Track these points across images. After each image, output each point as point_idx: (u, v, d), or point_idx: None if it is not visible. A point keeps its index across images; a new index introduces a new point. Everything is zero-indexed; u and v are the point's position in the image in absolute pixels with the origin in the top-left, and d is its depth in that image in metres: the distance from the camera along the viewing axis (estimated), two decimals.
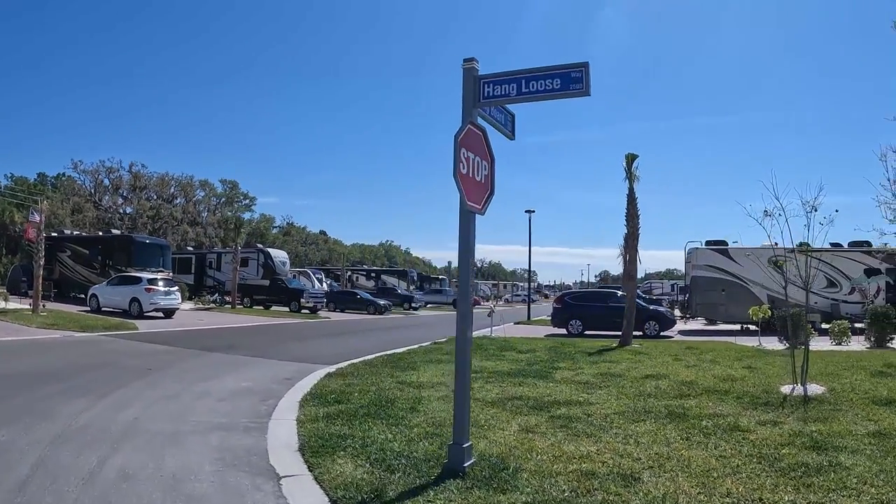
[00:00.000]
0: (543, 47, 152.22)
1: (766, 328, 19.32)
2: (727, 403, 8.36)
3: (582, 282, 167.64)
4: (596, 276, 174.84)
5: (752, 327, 25.41)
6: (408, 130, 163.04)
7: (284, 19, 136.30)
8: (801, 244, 23.70)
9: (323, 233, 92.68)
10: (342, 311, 37.47)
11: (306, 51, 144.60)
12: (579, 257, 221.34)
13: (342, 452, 5.62)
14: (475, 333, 21.86)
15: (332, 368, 11.39)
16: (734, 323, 24.74)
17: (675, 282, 68.23)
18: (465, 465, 5.03)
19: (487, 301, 79.20)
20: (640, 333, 21.51)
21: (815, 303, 23.74)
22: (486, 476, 4.99)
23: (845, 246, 24.67)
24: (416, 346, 16.34)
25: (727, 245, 24.80)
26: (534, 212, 33.26)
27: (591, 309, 22.22)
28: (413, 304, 46.73)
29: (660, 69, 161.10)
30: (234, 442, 6.14)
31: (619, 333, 21.17)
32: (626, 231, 18.22)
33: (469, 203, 5.09)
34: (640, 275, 65.95)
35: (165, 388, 9.10)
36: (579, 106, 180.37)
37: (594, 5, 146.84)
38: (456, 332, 5.47)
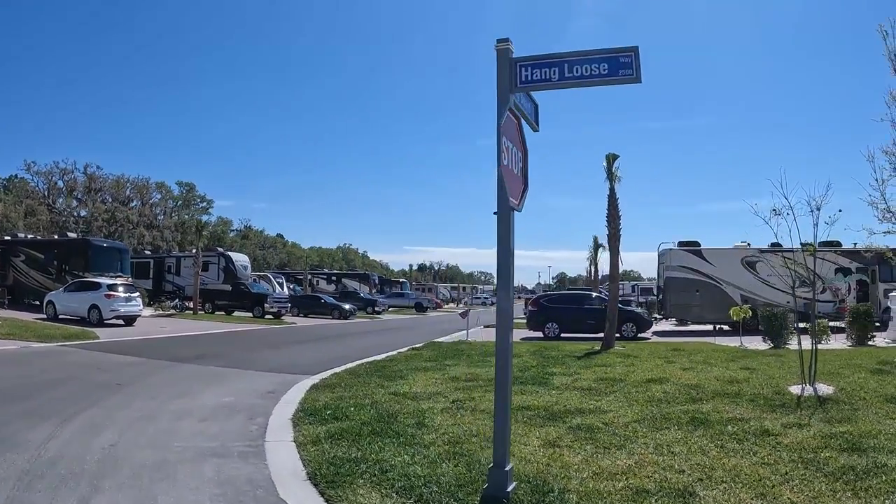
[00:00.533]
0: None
1: (740, 328, 19.31)
2: (742, 406, 8.07)
3: (539, 283, 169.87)
4: (553, 279, 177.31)
5: (725, 327, 25.63)
6: (363, 133, 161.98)
7: (239, 18, 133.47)
8: (772, 244, 23.80)
9: (280, 236, 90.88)
10: (305, 315, 36.44)
11: (261, 51, 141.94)
12: (537, 259, 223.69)
13: (361, 480, 4.99)
14: (448, 338, 21.73)
15: (316, 379, 10.71)
16: (707, 323, 24.81)
17: (634, 283, 68.99)
18: (509, 490, 4.47)
19: (450, 304, 79.57)
20: (618, 335, 21.30)
21: (788, 302, 24.00)
22: (533, 502, 4.46)
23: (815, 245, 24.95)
24: (394, 353, 15.72)
25: (700, 246, 24.86)
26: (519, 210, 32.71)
27: (567, 311, 21.92)
28: (376, 308, 45.90)
29: None
30: (231, 471, 5.43)
31: (596, 336, 21.04)
32: (607, 232, 17.96)
33: (510, 199, 4.55)
34: (597, 277, 66.32)
35: (140, 406, 8.27)
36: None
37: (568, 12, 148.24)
38: (496, 340, 4.88)
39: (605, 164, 17.88)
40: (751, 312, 24.29)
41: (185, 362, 13.06)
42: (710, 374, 11.25)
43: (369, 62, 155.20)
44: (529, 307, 22.38)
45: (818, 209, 9.28)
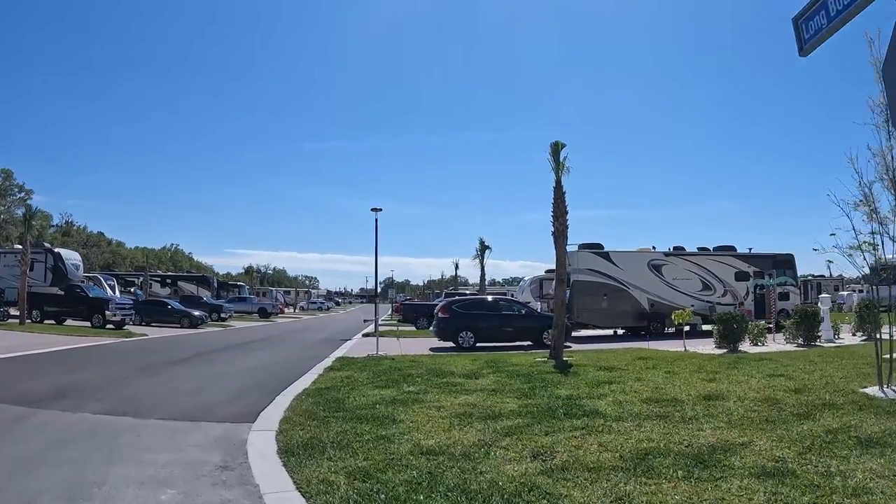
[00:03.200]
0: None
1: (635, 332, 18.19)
2: (854, 416, 7.12)
3: (362, 288, 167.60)
4: (381, 283, 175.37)
5: (620, 331, 24.76)
6: (179, 132, 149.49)
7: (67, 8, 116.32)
8: (675, 248, 23.12)
9: (101, 234, 79.13)
10: (149, 324, 30.50)
11: (87, 42, 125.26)
12: (358, 265, 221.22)
13: None
14: (344, 350, 18.22)
15: (270, 434, 6.96)
16: (611, 328, 23.70)
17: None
18: None
19: (288, 308, 73.78)
20: (530, 343, 19.24)
21: (692, 305, 23.55)
22: None
23: (711, 250, 24.88)
24: (312, 374, 12.37)
25: (603, 248, 23.65)
26: (381, 210, 29.41)
27: (483, 319, 19.38)
28: (222, 315, 40.30)
29: (479, 82, 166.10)
30: None
31: (514, 345, 18.86)
32: (553, 228, 15.68)
33: None
34: (483, 281, 65.52)
35: None
36: (371, 114, 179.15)
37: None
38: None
39: (549, 153, 15.64)
40: (691, 317, 23.77)
41: (43, 406, 8.44)
42: (752, 384, 9.72)
43: (196, 58, 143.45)
44: (438, 314, 19.51)
45: None
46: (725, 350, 16.22)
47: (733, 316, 16.53)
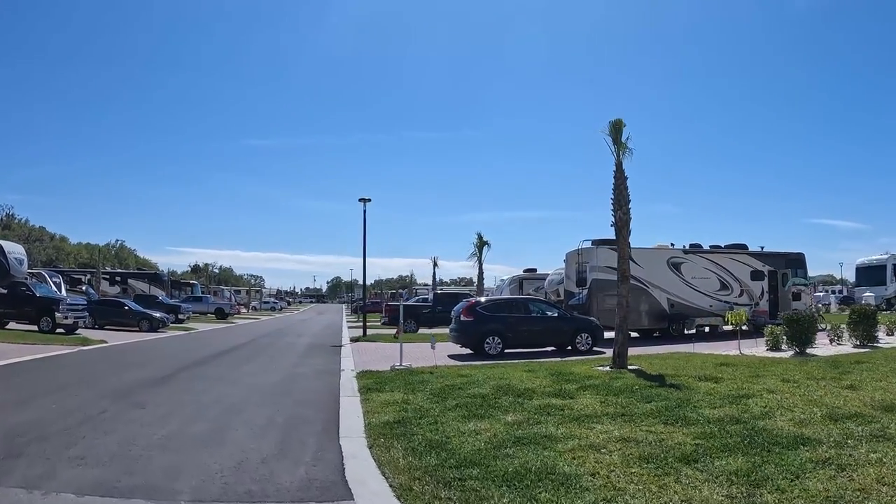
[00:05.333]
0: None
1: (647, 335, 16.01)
2: None
3: (307, 287, 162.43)
4: (328, 282, 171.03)
5: (635, 334, 22.38)
6: (123, 129, 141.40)
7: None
8: (691, 245, 20.86)
9: (44, 229, 72.08)
10: (102, 327, 26.34)
11: (25, 32, 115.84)
12: (302, 264, 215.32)
13: None
14: (370, 364, 14.86)
15: None
16: (631, 330, 21.23)
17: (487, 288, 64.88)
18: None
19: (246, 307, 69.16)
20: (570, 347, 16.64)
21: (711, 305, 21.41)
22: None
23: (723, 247, 22.88)
24: (354, 397, 9.29)
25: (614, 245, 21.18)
26: (370, 200, 26.35)
27: (512, 322, 16.51)
28: (180, 316, 36.01)
29: (386, 80, 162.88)
30: None
31: (543, 350, 16.22)
32: (613, 218, 13.04)
33: None
34: (426, 281, 62.16)
35: None
36: (309, 111, 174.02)
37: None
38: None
39: (608, 133, 12.99)
40: (715, 318, 21.54)
41: None
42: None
43: (141, 51, 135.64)
44: (461, 317, 16.52)
45: None
46: (793, 353, 14.11)
47: (802, 316, 14.31)
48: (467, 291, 41.31)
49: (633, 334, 22.17)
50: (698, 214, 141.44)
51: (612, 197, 13.01)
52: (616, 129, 12.88)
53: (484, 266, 33.88)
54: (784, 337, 14.58)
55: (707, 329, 21.22)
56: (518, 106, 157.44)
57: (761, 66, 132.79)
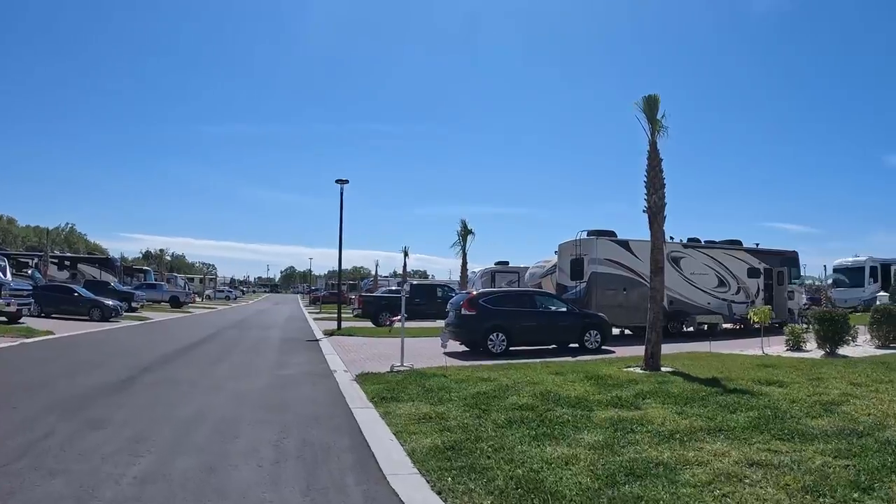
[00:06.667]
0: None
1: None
2: None
3: (259, 277, 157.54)
4: (282, 272, 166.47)
5: (628, 332, 21.09)
6: (76, 106, 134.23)
7: None
8: (689, 239, 19.58)
9: None
10: (49, 315, 23.53)
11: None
12: (256, 253, 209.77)
13: None
14: (365, 364, 11.51)
15: None
16: (630, 327, 19.86)
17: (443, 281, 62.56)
18: None
19: (200, 296, 65.28)
20: (577, 345, 15.07)
21: (709, 303, 20.19)
22: None
23: (717, 243, 21.70)
24: (368, 410, 7.46)
25: (616, 235, 19.76)
26: (347, 182, 24.08)
27: (518, 317, 14.73)
28: (133, 304, 32.86)
29: (361, 78, 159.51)
30: None
31: (547, 348, 14.61)
32: (647, 204, 11.46)
33: None
34: (388, 273, 60.18)
35: None
36: (269, 98, 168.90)
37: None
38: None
39: (642, 110, 11.40)
40: (714, 317, 20.26)
41: None
42: None
43: (99, 39, 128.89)
44: (462, 311, 14.67)
45: None
46: (823, 353, 12.90)
47: (836, 314, 13.08)
48: (442, 283, 39.51)
49: (627, 332, 20.98)
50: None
51: (646, 180, 11.47)
52: (650, 105, 11.34)
53: (441, 260, 31.98)
54: (813, 336, 13.33)
55: (706, 327, 19.99)
56: (485, 104, 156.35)
57: (713, 71, 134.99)
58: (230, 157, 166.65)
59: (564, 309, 15.44)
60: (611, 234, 19.63)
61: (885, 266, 30.08)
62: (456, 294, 28.44)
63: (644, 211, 11.45)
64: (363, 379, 10.01)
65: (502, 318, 14.51)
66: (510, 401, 7.74)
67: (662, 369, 10.76)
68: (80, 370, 10.60)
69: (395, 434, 6.14)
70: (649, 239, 19.92)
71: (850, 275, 31.36)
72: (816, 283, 45.32)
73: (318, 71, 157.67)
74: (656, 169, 11.32)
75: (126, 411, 7.05)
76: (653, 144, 11.38)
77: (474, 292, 15.53)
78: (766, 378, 9.30)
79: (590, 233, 19.65)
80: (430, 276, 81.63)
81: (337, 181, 24.00)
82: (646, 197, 11.41)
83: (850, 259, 32.04)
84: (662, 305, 19.25)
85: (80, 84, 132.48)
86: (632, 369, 10.85)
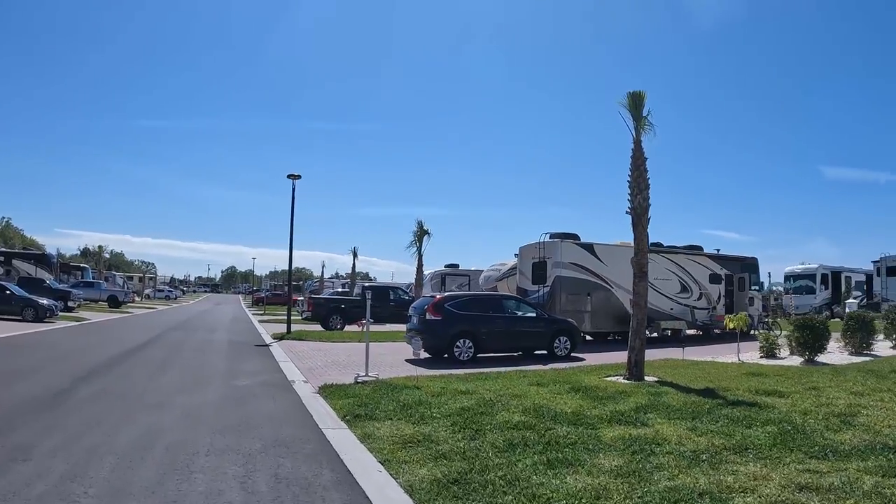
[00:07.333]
0: None
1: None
2: None
3: (199, 276, 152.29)
4: (222, 271, 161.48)
5: (588, 337, 20.67)
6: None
7: None
8: (652, 244, 19.37)
9: None
10: None
11: None
12: (194, 251, 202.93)
13: None
14: (325, 374, 10.34)
15: None
16: (593, 333, 19.39)
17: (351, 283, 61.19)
18: None
19: (139, 295, 61.93)
20: (545, 351, 14.43)
21: (671, 308, 19.96)
22: None
23: (679, 248, 21.55)
24: (341, 431, 6.59)
25: (580, 238, 19.30)
26: (299, 177, 22.69)
27: (486, 322, 13.93)
28: (70, 303, 30.57)
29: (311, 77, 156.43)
30: None
31: (515, 354, 14.00)
32: (630, 205, 10.88)
33: None
34: (330, 275, 58.18)
35: None
36: (209, 94, 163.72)
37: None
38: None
39: (626, 106, 10.84)
40: (678, 323, 19.94)
41: None
42: None
43: (36, 26, 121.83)
44: (427, 316, 13.77)
45: None
46: (802, 360, 12.71)
47: (815, 322, 12.89)
48: (395, 285, 38.48)
49: (588, 337, 20.57)
50: (597, 216, 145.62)
51: (629, 180, 10.91)
52: (635, 101, 10.79)
53: (382, 262, 30.96)
54: (793, 343, 13.10)
55: (669, 333, 19.76)
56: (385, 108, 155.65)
57: (662, 82, 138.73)
58: (171, 152, 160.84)
59: (534, 314, 14.76)
60: (574, 237, 19.15)
61: (836, 273, 30.95)
62: (410, 297, 27.62)
63: (627, 212, 10.89)
64: (327, 392, 9.00)
65: (470, 323, 13.70)
66: (501, 418, 6.93)
67: (647, 379, 10.24)
68: (5, 380, 9.20)
69: (382, 463, 5.23)
70: (613, 243, 19.94)
71: (802, 282, 32.09)
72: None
73: (261, 67, 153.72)
74: (641, 168, 10.78)
75: (58, 436, 5.86)
76: (637, 143, 10.84)
77: (438, 296, 14.64)
78: (761, 388, 8.90)
79: (553, 235, 19.11)
80: (373, 279, 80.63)
81: (289, 176, 22.76)
82: (629, 198, 10.85)
83: (801, 266, 32.87)
84: (627, 311, 19.13)
85: (14, 75, 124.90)
86: (615, 379, 10.27)
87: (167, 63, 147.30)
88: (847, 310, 16.46)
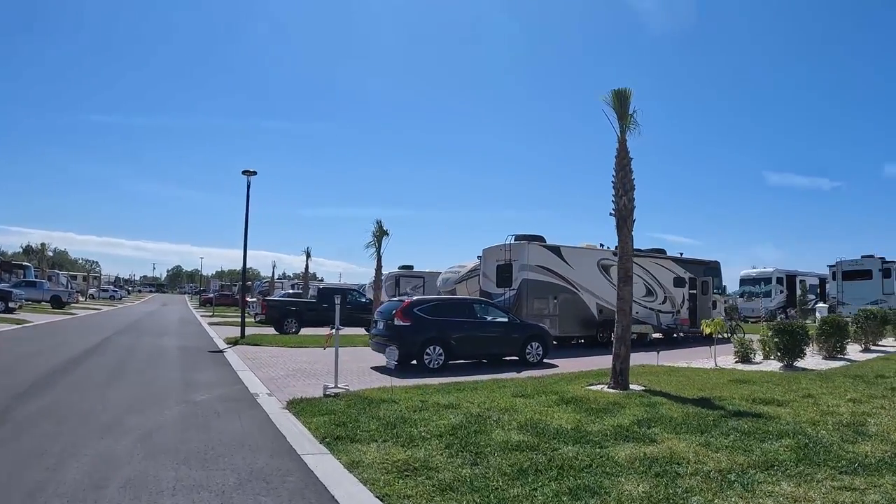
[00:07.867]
0: None
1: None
2: None
3: (144, 276, 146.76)
4: (168, 271, 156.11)
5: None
6: None
7: None
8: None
9: None
10: None
11: None
12: (140, 250, 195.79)
13: None
14: (290, 384, 9.55)
15: None
16: (560, 337, 18.98)
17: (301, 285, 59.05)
18: None
19: (83, 296, 58.62)
20: (516, 357, 13.94)
21: (637, 312, 19.78)
22: None
23: (643, 251, 21.46)
24: (322, 458, 5.81)
25: (545, 240, 18.90)
26: (255, 173, 21.45)
27: (457, 327, 13.24)
28: (11, 304, 28.59)
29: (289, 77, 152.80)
30: None
31: (485, 361, 13.50)
32: (614, 207, 10.45)
33: None
34: (278, 275, 56.53)
35: None
36: (159, 89, 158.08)
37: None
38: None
39: (611, 104, 10.42)
40: (644, 327, 19.69)
41: None
42: None
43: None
44: (395, 321, 13.01)
45: None
46: (782, 365, 12.60)
47: (795, 326, 12.79)
48: (351, 287, 37.44)
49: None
50: (546, 218, 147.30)
51: (613, 181, 10.49)
52: (620, 100, 10.37)
53: (328, 262, 30.01)
54: (769, 348, 12.99)
55: (635, 336, 19.59)
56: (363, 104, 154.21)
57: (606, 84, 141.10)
58: (116, 148, 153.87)
59: (505, 319, 14.20)
60: (540, 239, 18.75)
61: (791, 277, 31.67)
62: (367, 299, 26.71)
63: (611, 214, 10.46)
64: (298, 407, 8.18)
65: (440, 329, 13.03)
66: (497, 437, 6.33)
67: (632, 387, 9.84)
68: None
69: (381, 499, 4.54)
70: (579, 246, 19.65)
71: (757, 285, 32.71)
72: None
73: (214, 65, 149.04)
74: (626, 169, 10.38)
75: None
76: (622, 142, 10.43)
77: (407, 300, 13.91)
78: (755, 396, 8.66)
79: (519, 237, 18.64)
80: (321, 279, 78.94)
81: (244, 172, 21.57)
82: (613, 199, 10.43)
83: (756, 270, 33.47)
84: (593, 314, 18.91)
85: None
86: (599, 388, 9.84)
87: (119, 59, 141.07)
88: (818, 314, 16.62)
